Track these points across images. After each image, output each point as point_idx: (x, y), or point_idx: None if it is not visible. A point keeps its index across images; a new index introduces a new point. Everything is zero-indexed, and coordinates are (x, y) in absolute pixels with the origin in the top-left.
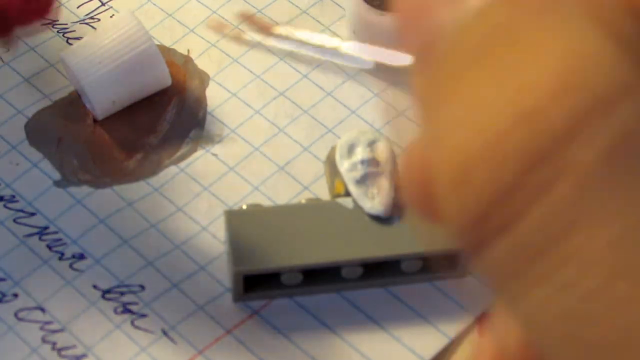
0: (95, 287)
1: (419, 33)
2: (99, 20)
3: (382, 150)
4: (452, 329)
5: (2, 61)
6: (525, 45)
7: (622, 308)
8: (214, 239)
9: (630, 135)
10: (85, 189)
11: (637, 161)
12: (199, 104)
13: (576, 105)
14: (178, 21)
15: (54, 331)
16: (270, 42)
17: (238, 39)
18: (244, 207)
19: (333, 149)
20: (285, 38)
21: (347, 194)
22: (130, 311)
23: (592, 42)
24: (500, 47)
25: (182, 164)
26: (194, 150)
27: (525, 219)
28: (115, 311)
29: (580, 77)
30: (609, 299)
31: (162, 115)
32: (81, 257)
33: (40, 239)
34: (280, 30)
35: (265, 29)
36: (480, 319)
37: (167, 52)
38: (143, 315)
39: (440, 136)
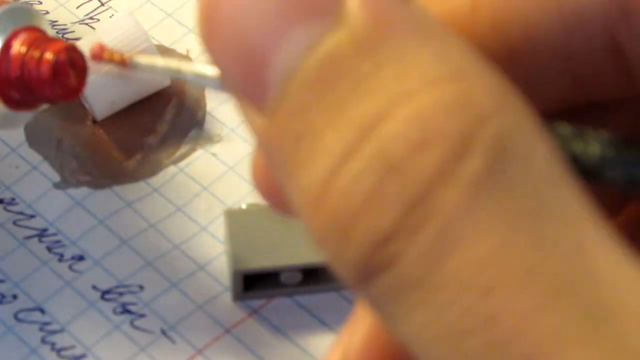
0: (94, 287)
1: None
2: (98, 20)
3: None
4: None
5: None
6: (381, 81)
7: (495, 320)
8: (213, 238)
9: (494, 165)
10: (84, 190)
11: (503, 183)
12: (198, 104)
13: (438, 154)
14: (177, 21)
15: (54, 332)
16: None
17: (123, 62)
18: (244, 206)
19: None
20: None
21: None
22: (129, 311)
23: (465, 65)
24: (352, 84)
25: (182, 164)
26: (193, 150)
27: (403, 257)
28: (114, 311)
29: (441, 118)
30: (483, 313)
31: (161, 115)
32: (80, 258)
33: (40, 241)
34: (140, 59)
35: (122, 62)
36: None
37: (166, 52)
38: (142, 316)
39: (307, 193)
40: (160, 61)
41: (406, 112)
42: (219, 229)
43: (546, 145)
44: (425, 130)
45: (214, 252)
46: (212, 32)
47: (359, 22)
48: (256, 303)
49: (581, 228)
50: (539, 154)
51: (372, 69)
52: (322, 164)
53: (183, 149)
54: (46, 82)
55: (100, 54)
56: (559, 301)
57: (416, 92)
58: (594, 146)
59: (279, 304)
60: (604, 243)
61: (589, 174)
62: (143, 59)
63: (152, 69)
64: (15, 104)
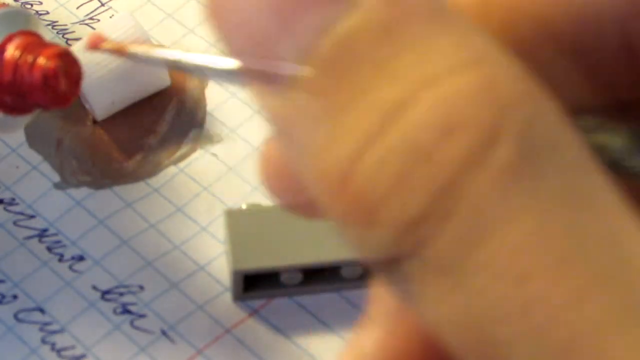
0: (94, 287)
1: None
2: (98, 20)
3: None
4: None
5: None
6: (405, 67)
7: (530, 309)
8: (213, 238)
9: (524, 152)
10: (84, 190)
11: (534, 170)
12: (199, 104)
13: (467, 141)
14: (177, 21)
15: (54, 332)
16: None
17: (120, 52)
18: (244, 206)
19: None
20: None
21: None
22: (129, 311)
23: (488, 52)
24: (375, 66)
25: (182, 164)
26: (194, 150)
27: (435, 242)
28: (114, 312)
29: (468, 106)
30: (518, 302)
31: (162, 115)
32: (81, 258)
33: (40, 241)
34: (136, 48)
35: (119, 51)
36: None
37: None
38: (142, 316)
39: (329, 176)
40: (158, 52)
41: (431, 99)
42: (219, 229)
43: (573, 133)
44: (451, 117)
45: (214, 252)
46: (221, 19)
47: (373, 8)
48: (256, 303)
49: (614, 217)
50: (567, 142)
51: (391, 54)
52: (345, 147)
53: (183, 149)
54: (38, 87)
55: (97, 44)
56: (596, 291)
57: (439, 78)
58: (617, 138)
59: (279, 304)
60: (636, 233)
61: (612, 166)
62: (141, 49)
63: (149, 59)
64: (8, 109)
